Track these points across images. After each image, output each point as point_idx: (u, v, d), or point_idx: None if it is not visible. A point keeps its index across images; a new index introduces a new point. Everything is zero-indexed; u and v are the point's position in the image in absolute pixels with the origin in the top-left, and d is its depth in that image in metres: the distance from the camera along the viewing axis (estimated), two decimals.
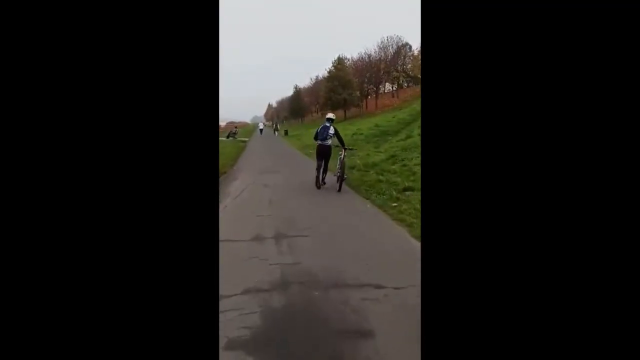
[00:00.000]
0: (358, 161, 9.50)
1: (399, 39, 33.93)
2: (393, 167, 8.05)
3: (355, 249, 3.35)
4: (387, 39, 32.88)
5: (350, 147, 7.75)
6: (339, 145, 6.58)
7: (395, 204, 4.99)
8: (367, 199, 5.60)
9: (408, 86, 35.90)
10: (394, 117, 20.33)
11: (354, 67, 34.04)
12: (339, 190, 6.24)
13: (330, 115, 6.94)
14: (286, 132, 29.89)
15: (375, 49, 33.29)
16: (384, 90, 36.03)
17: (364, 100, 33.61)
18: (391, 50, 33.24)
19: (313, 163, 7.35)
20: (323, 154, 6.54)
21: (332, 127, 6.54)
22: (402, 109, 24.52)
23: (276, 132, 31.89)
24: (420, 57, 37.19)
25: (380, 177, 7.04)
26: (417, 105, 22.85)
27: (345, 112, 31.65)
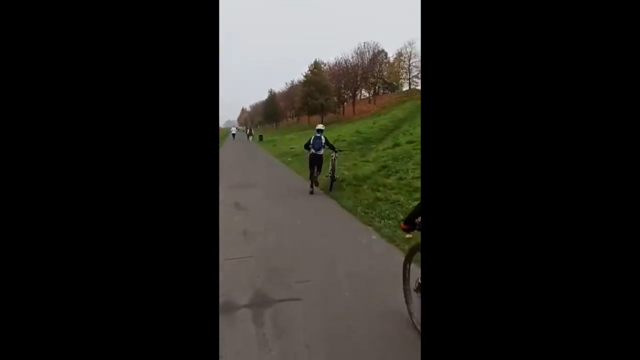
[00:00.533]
0: (346, 172, 8.37)
1: (376, 45, 33.60)
2: (388, 180, 6.97)
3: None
4: (364, 45, 32.41)
5: (340, 149, 8.44)
6: (330, 149, 7.18)
7: (409, 236, 3.85)
8: (369, 225, 4.42)
9: (384, 93, 35.65)
10: (374, 123, 19.52)
11: (330, 72, 33.25)
12: (330, 189, 6.90)
13: (320, 126, 7.34)
14: (261, 138, 28.58)
15: (352, 55, 32.68)
16: (360, 97, 35.49)
17: (342, 106, 32.83)
18: (368, 56, 32.79)
19: (295, 174, 7.12)
20: (316, 162, 7.01)
21: (322, 137, 7.04)
22: (380, 115, 23.92)
23: (250, 137, 30.48)
24: (395, 64, 37.52)
25: (378, 194, 5.91)
26: (397, 112, 22.27)
27: (322, 117, 30.71)
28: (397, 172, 7.61)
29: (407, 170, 7.43)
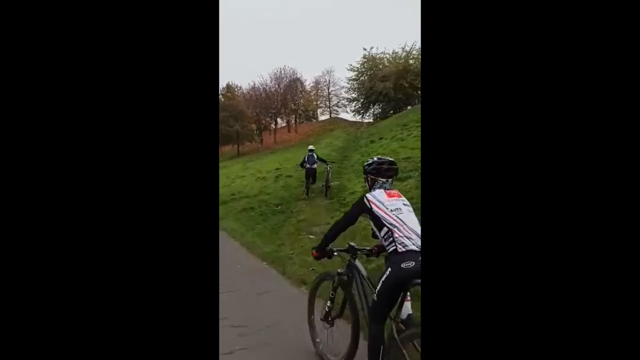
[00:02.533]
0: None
1: (293, 71, 31.61)
2: None
3: None
4: (281, 71, 30.03)
5: (332, 161, 10.53)
6: (323, 162, 9.45)
7: None
8: None
9: (301, 122, 33.63)
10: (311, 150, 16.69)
11: (245, 97, 29.77)
12: (326, 195, 8.73)
13: (311, 147, 10.18)
14: None
15: (269, 79, 29.88)
16: (277, 125, 32.73)
17: (261, 135, 29.40)
18: (285, 83, 30.48)
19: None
20: (310, 174, 9.23)
21: (314, 155, 9.49)
22: (310, 144, 21.28)
23: None
24: (313, 92, 36.24)
25: None
26: (332, 140, 19.78)
27: (238, 147, 26.70)
28: None
29: None
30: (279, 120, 32.42)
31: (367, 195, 2.19)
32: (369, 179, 2.33)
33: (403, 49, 26.70)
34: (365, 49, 27.80)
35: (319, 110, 33.71)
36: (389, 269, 1.94)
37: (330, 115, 32.25)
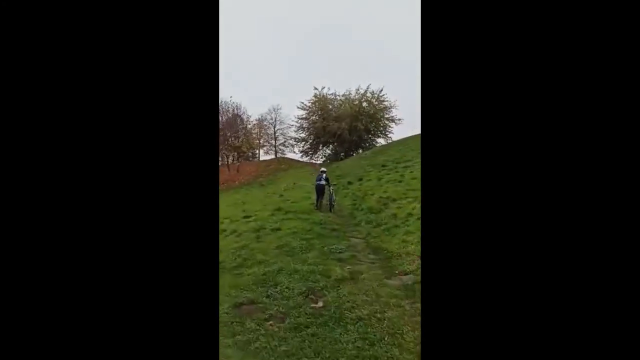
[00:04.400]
0: None
1: (237, 106, 28.85)
2: None
3: None
4: (224, 104, 27.06)
5: (334, 184, 12.02)
6: (327, 182, 10.51)
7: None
8: None
9: (239, 162, 30.40)
10: (280, 193, 13.56)
11: None
12: (331, 210, 9.83)
13: (323, 169, 11.80)
14: None
15: None
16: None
17: None
18: (226, 117, 27.45)
19: None
20: (320, 190, 10.31)
21: (325, 174, 10.72)
22: (259, 184, 18.23)
23: None
24: (255, 130, 33.64)
25: None
26: (293, 179, 17.13)
27: None
28: None
29: None
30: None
31: None
32: None
33: (357, 90, 26.34)
34: (316, 88, 26.72)
35: (261, 150, 31.01)
36: None
37: (276, 155, 29.76)
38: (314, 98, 26.81)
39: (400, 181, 11.03)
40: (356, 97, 26.17)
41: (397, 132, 26.06)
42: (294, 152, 29.37)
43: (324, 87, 26.82)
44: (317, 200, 10.44)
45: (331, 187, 10.80)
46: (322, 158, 27.45)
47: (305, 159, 27.97)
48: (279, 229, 7.59)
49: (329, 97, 26.86)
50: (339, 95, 26.97)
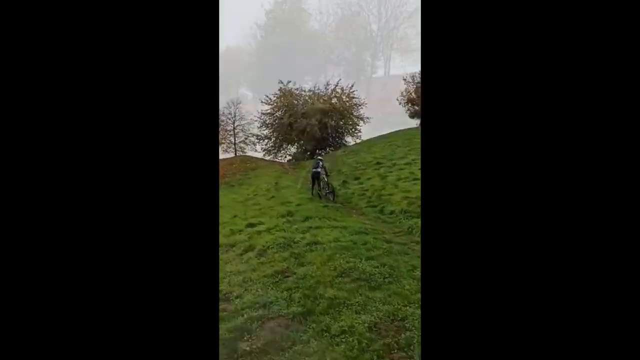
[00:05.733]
0: None
1: None
2: None
3: None
4: None
5: (329, 174, 11.43)
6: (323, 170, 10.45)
7: None
8: None
9: None
10: (270, 195, 11.64)
11: None
12: (333, 199, 10.07)
13: (319, 157, 12.29)
14: None
15: None
16: None
17: None
18: None
19: None
20: (315, 176, 10.67)
21: (322, 162, 11.07)
22: (228, 184, 15.98)
23: None
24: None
25: None
26: (270, 178, 15.18)
27: None
28: None
29: None
30: None
31: None
32: None
33: (325, 86, 25.04)
34: (281, 82, 24.87)
35: (219, 148, 28.14)
36: None
37: (236, 153, 27.19)
38: (279, 92, 24.93)
39: (416, 179, 9.93)
40: (325, 92, 24.87)
41: (363, 132, 25.33)
42: (256, 150, 27.12)
43: (289, 82, 25.07)
44: (312, 187, 10.86)
45: (326, 177, 11.03)
46: (287, 157, 25.63)
47: (268, 157, 25.90)
48: (318, 243, 5.68)
49: (294, 92, 25.18)
50: (304, 91, 25.43)
